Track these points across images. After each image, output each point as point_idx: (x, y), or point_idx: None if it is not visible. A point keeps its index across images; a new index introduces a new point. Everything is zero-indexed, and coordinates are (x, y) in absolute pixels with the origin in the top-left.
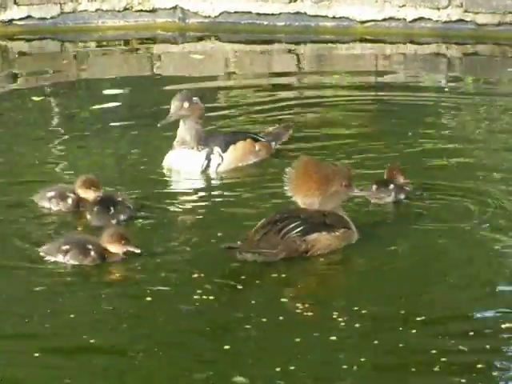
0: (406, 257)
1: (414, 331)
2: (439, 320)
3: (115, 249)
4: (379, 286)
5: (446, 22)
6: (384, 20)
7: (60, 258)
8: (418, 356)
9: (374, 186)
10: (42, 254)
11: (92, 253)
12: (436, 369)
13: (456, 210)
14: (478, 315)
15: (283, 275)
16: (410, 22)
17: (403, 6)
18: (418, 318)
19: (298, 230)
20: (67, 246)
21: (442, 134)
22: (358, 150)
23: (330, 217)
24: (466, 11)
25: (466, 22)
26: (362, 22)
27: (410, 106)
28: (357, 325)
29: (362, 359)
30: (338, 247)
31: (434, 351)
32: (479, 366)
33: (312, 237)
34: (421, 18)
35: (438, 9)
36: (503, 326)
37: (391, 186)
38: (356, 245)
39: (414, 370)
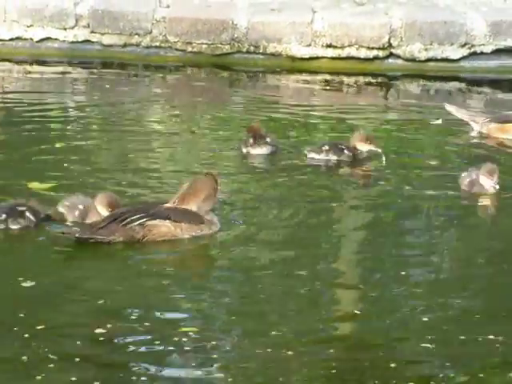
0: None
1: None
2: None
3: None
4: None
5: (72, 42)
6: (11, 40)
7: None
8: None
9: None
10: None
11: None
12: None
13: None
14: None
15: None
16: (37, 41)
17: (31, 25)
18: None
19: (141, 221)
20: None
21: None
22: None
23: (180, 213)
24: (92, 32)
25: (93, 42)
26: None
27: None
28: None
29: None
30: (180, 236)
31: None
32: None
33: (151, 222)
34: (48, 38)
35: (65, 29)
36: None
37: None
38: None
39: None
